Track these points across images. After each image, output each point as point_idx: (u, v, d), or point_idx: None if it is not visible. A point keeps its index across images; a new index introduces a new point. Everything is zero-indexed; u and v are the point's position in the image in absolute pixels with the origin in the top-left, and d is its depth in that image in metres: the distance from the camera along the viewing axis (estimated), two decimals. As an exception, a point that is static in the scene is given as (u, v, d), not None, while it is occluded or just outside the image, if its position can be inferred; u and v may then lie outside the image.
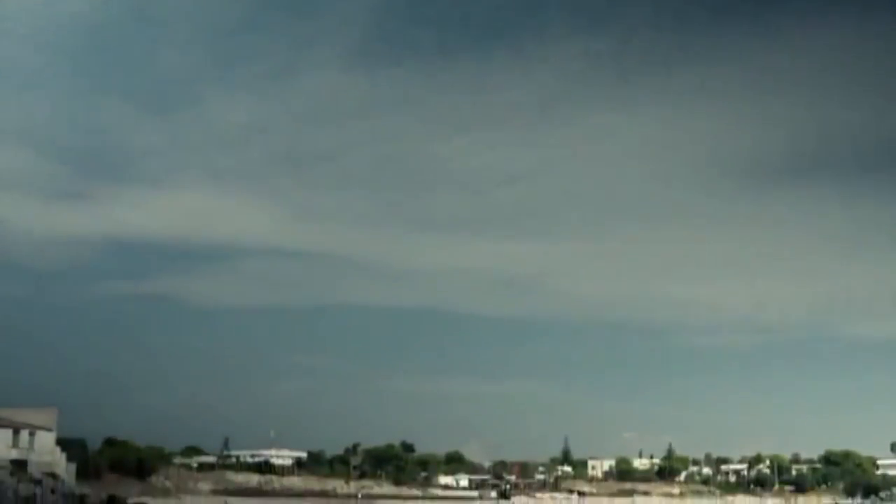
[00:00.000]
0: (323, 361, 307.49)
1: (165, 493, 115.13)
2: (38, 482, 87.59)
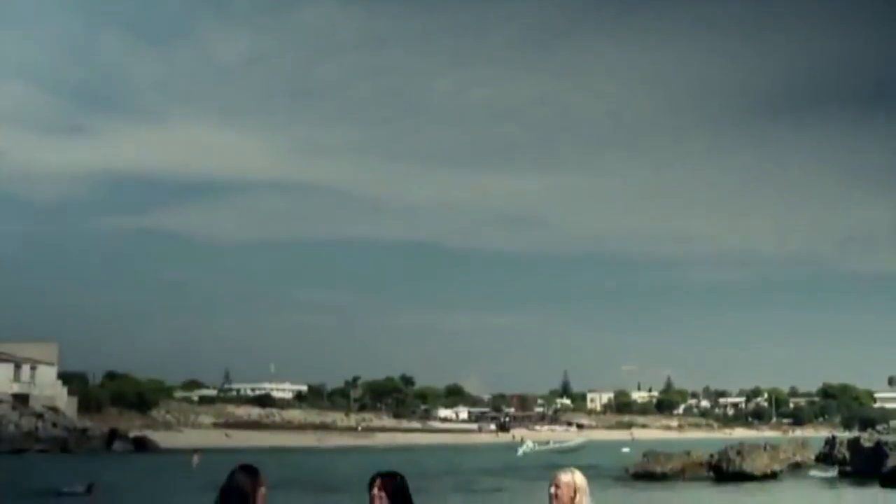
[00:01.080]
0: (323, 295, 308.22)
1: (167, 426, 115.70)
2: (39, 416, 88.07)
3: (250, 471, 7.91)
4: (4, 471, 45.64)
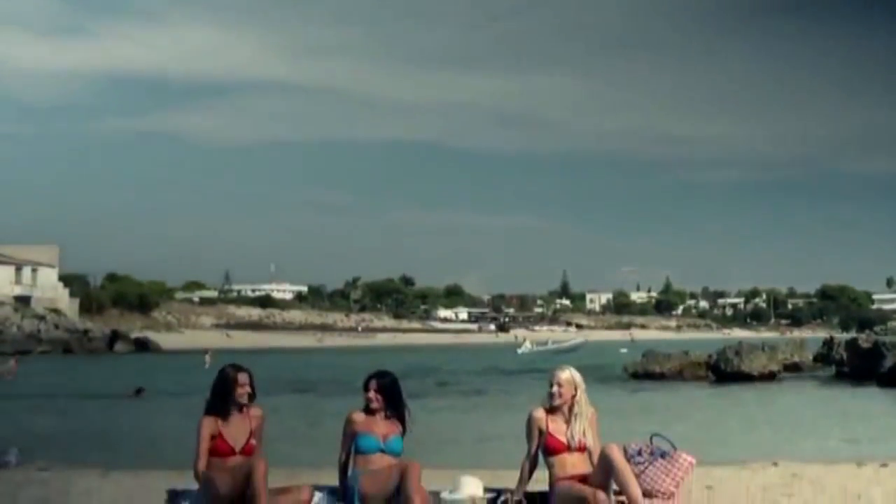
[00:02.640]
0: (323, 196, 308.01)
1: (168, 327, 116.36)
2: (41, 318, 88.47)
3: (236, 366, 8.56)
4: (41, 373, 45.76)
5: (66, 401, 31.52)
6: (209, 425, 8.28)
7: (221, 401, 8.36)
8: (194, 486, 8.65)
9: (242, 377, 8.43)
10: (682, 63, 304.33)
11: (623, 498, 8.16)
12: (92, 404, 30.84)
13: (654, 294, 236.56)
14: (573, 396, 8.71)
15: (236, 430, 8.34)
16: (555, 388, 8.72)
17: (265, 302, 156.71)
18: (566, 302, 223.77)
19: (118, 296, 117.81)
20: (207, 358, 51.55)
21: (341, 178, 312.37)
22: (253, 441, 8.38)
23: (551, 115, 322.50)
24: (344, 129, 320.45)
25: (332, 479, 9.06)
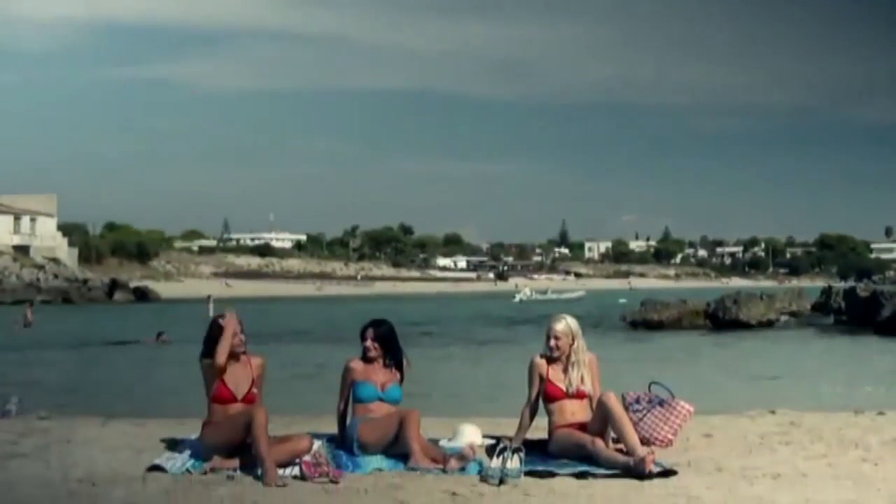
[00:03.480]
0: (322, 145, 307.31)
1: (167, 276, 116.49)
2: (40, 267, 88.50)
3: (228, 310, 8.62)
4: (52, 321, 45.75)
5: (84, 350, 31.57)
6: (211, 365, 8.32)
7: (213, 349, 8.37)
8: (194, 434, 8.70)
9: (231, 316, 8.45)
10: (683, 10, 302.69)
11: (621, 445, 8.21)
12: (112, 351, 30.96)
13: (652, 243, 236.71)
14: (571, 346, 8.73)
15: (238, 378, 8.38)
16: (552, 342, 8.74)
17: (264, 251, 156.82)
18: (565, 251, 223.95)
19: (117, 245, 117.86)
20: (210, 305, 51.49)
21: (340, 127, 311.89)
22: (254, 390, 8.42)
23: (551, 62, 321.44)
24: (343, 77, 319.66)
25: (332, 428, 9.11)
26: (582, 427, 8.49)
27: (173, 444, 8.93)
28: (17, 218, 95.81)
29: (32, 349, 30.96)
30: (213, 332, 8.41)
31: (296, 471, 7.84)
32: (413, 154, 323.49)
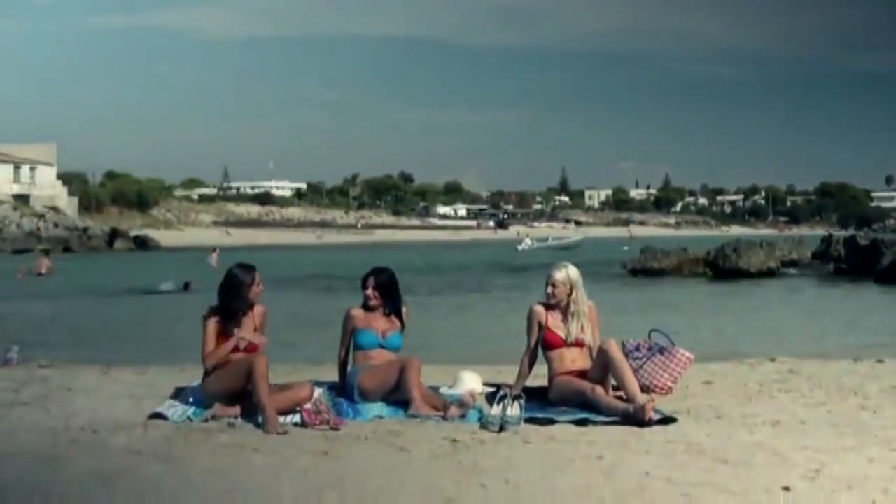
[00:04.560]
0: (322, 92, 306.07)
1: (167, 224, 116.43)
2: (40, 216, 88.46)
3: (247, 267, 8.48)
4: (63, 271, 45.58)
5: (113, 300, 31.58)
6: (216, 323, 8.32)
7: (231, 301, 8.38)
8: (196, 382, 8.72)
9: (256, 277, 8.46)
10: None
11: (621, 393, 8.23)
12: (143, 301, 30.98)
13: (652, 191, 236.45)
14: (569, 295, 8.73)
15: (241, 328, 8.38)
16: (549, 289, 8.74)
17: (264, 199, 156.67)
18: (565, 199, 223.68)
19: (117, 194, 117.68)
20: (214, 256, 51.12)
21: (341, 75, 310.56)
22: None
23: (551, 10, 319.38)
24: (344, 24, 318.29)
25: (332, 375, 9.13)
26: (582, 375, 8.51)
27: (175, 393, 8.96)
28: (16, 167, 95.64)
29: (61, 297, 30.99)
30: (231, 288, 8.40)
31: (297, 418, 7.88)
32: (413, 102, 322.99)
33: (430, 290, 33.69)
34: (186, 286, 32.69)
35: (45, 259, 44.58)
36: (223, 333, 8.33)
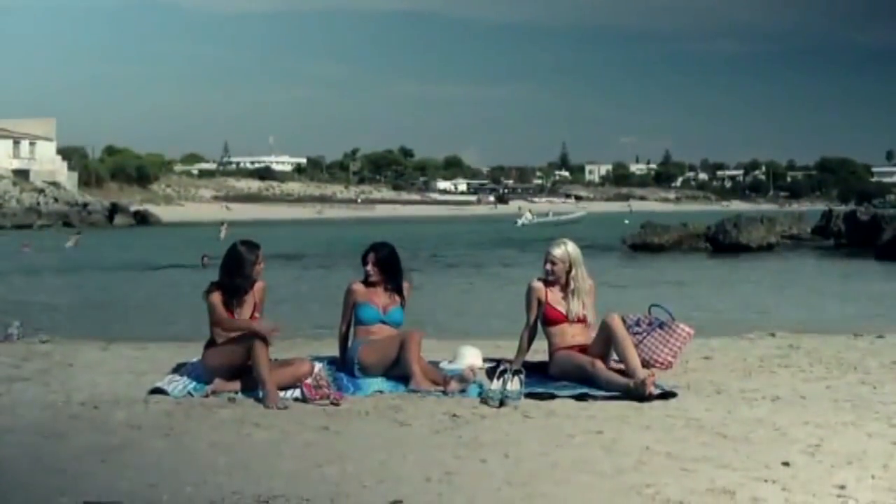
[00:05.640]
0: (322, 67, 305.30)
1: (167, 199, 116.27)
2: (40, 191, 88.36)
3: (252, 245, 8.47)
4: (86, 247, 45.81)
5: (137, 274, 31.70)
6: (220, 298, 8.31)
7: (235, 278, 8.37)
8: (196, 357, 8.72)
9: (259, 255, 8.45)
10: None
11: (622, 367, 8.23)
12: (161, 275, 31.05)
13: (653, 166, 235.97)
14: (568, 272, 8.71)
15: (242, 304, 8.38)
16: (548, 266, 8.73)
17: (264, 174, 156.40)
18: (565, 174, 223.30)
19: (117, 169, 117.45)
20: (223, 229, 51.64)
21: (342, 50, 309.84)
22: (257, 314, 8.42)
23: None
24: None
25: (333, 350, 9.14)
26: (582, 350, 8.52)
27: (175, 368, 8.97)
28: (16, 142, 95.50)
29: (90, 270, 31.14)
30: (234, 265, 8.38)
31: (297, 393, 7.88)
32: (414, 77, 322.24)
33: (430, 265, 33.70)
34: (203, 259, 32.80)
35: (75, 238, 47.92)
36: (226, 309, 8.31)
